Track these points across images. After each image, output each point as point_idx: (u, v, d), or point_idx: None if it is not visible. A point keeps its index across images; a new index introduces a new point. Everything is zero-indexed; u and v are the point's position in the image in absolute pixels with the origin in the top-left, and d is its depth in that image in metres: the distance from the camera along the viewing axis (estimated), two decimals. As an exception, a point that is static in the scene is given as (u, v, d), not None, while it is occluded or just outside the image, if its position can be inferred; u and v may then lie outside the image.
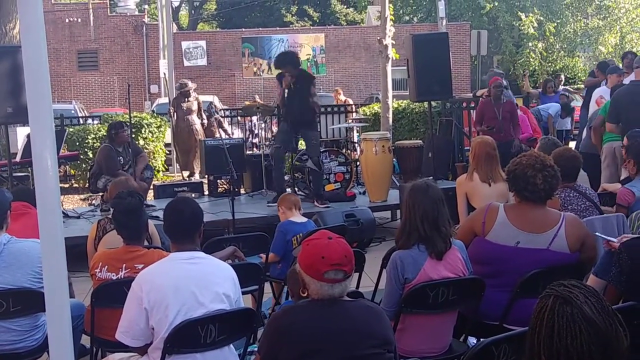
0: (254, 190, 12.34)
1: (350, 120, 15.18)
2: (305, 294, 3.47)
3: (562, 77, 19.47)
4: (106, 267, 4.94)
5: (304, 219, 7.13)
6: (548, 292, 2.44)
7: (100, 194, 11.05)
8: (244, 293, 4.54)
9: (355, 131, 14.55)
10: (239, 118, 18.57)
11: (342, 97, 22.93)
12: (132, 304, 4.00)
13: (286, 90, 10.60)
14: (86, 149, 15.25)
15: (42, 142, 3.69)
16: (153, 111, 19.67)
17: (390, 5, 14.52)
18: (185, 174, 15.50)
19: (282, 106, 11.07)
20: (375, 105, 17.13)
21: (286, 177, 12.94)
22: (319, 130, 11.13)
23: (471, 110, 15.02)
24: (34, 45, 3.67)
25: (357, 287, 5.84)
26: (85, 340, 5.36)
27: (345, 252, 3.46)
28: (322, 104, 19.01)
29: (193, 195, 11.29)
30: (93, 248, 5.95)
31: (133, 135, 11.78)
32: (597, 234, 5.11)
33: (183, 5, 57.44)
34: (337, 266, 3.39)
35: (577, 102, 17.46)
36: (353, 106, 18.61)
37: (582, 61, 38.44)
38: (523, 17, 34.74)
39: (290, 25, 48.06)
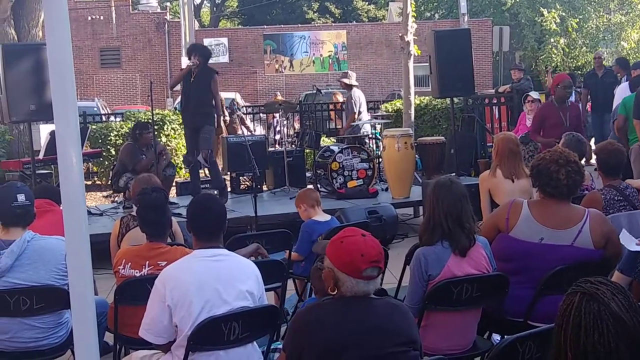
0: (276, 187, 12.34)
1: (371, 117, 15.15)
2: (335, 292, 3.43)
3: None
4: (129, 264, 4.95)
5: (327, 217, 7.10)
6: (574, 289, 2.42)
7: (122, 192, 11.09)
8: (267, 290, 4.53)
9: (373, 128, 14.52)
10: (261, 115, 18.61)
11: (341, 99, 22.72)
12: (155, 302, 4.00)
13: (191, 80, 10.78)
14: (109, 146, 15.31)
15: (67, 140, 3.69)
16: (175, 108, 19.69)
17: (412, 1, 14.49)
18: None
19: (172, 85, 11.69)
20: (397, 101, 17.10)
21: (308, 174, 12.95)
22: (216, 126, 11.23)
23: (493, 107, 15.00)
24: (59, 43, 3.66)
25: (381, 284, 5.80)
26: (109, 337, 5.38)
27: (379, 249, 3.45)
28: (340, 101, 19.02)
29: (216, 192, 11.29)
30: (116, 245, 5.99)
31: (155, 133, 11.79)
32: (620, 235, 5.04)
33: (205, 2, 57.60)
34: (375, 263, 3.37)
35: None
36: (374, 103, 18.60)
37: (604, 57, 38.13)
38: (545, 12, 34.53)
39: (312, 22, 48.17)
